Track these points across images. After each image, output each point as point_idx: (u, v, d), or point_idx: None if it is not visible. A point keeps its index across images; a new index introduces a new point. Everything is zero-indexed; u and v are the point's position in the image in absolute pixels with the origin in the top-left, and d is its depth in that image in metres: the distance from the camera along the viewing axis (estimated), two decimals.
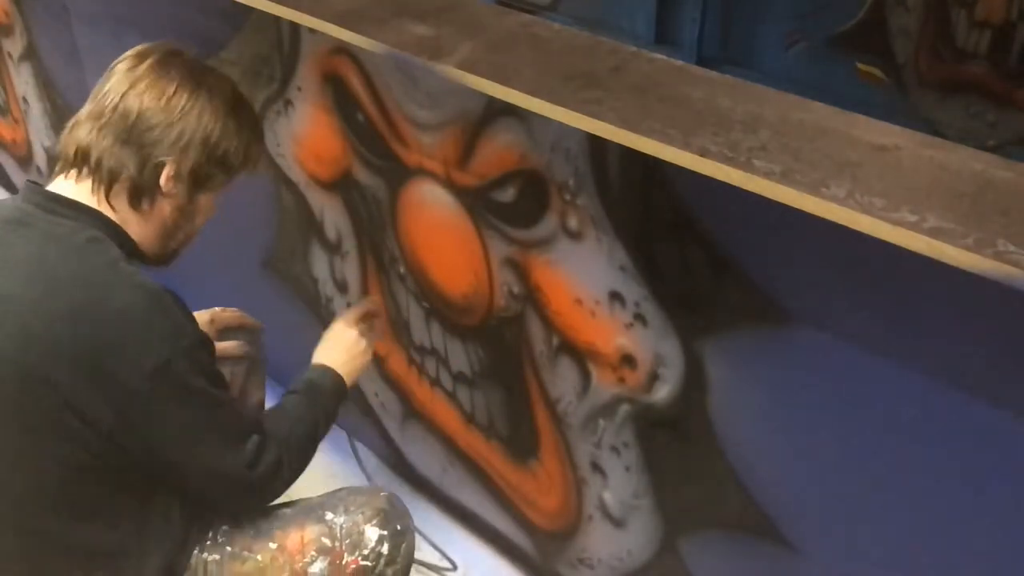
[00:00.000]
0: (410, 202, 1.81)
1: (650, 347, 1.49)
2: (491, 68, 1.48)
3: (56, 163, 1.41)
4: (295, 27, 1.82)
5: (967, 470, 1.20)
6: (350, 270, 2.06)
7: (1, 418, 1.30)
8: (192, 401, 1.34)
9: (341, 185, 1.95)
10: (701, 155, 1.23)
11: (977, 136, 2.64)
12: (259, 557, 1.49)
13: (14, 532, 1.37)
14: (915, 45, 2.73)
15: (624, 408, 1.59)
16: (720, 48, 3.10)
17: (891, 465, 1.27)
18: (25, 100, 2.98)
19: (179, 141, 1.37)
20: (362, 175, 1.87)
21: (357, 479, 2.26)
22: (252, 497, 1.49)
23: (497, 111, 1.53)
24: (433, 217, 1.77)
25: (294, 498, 1.58)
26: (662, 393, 1.51)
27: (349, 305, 2.11)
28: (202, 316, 1.78)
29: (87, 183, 1.37)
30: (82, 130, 1.37)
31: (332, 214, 2.02)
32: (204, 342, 1.37)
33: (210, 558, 1.48)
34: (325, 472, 2.15)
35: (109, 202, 1.37)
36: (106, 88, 1.38)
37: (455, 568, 2.07)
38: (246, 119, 1.47)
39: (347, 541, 1.51)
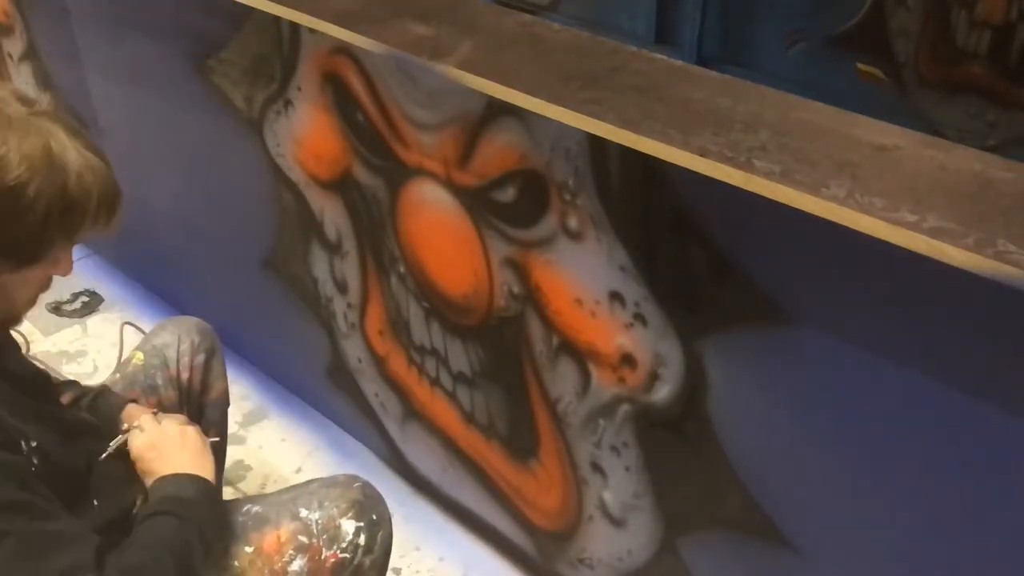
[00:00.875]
0: (410, 202, 1.81)
1: (650, 347, 1.49)
2: (491, 68, 1.48)
3: None
4: (295, 27, 1.82)
5: (967, 470, 1.20)
6: (350, 270, 2.06)
7: None
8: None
9: (341, 185, 1.95)
10: (701, 155, 1.23)
11: (977, 136, 2.64)
12: (236, 563, 1.46)
13: None
14: (915, 45, 2.73)
15: (624, 408, 1.59)
16: (720, 48, 3.10)
17: (891, 465, 1.27)
18: None
19: None
20: (362, 175, 1.87)
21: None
22: None
23: (497, 111, 1.53)
24: (433, 217, 1.77)
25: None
26: (662, 393, 1.51)
27: (350, 305, 2.11)
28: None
29: None
30: None
31: (332, 214, 2.02)
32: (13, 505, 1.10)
33: None
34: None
35: None
36: None
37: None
38: (49, 181, 1.14)
39: (324, 536, 1.49)
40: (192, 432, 1.42)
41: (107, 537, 1.20)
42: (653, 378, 1.51)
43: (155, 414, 1.46)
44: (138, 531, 1.25)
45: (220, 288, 2.50)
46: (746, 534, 1.49)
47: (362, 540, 1.51)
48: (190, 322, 1.81)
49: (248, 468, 2.31)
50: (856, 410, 1.28)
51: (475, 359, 1.86)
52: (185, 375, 1.74)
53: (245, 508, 1.54)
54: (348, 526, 1.51)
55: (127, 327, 2.62)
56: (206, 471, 1.36)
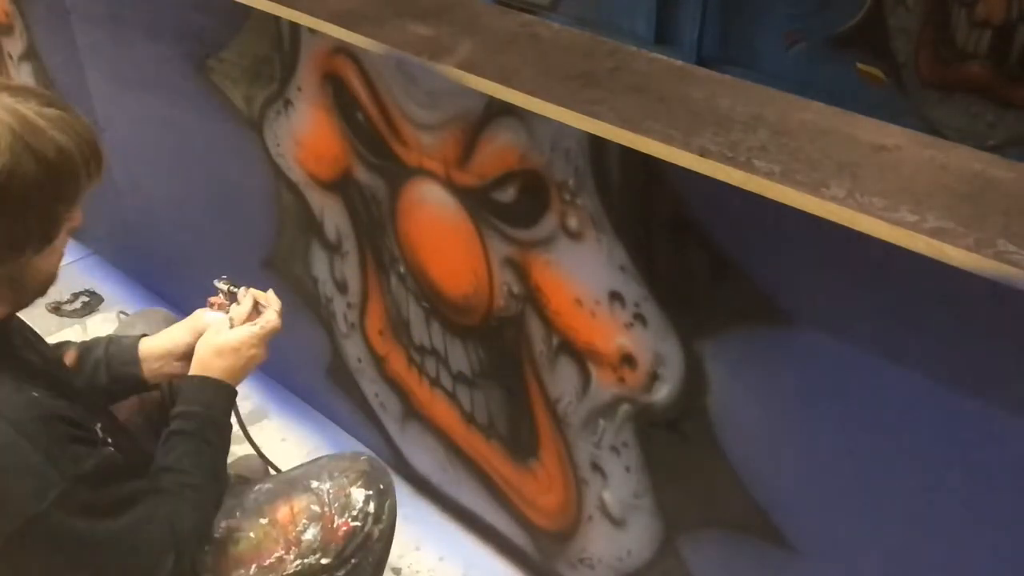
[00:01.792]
0: (410, 202, 1.81)
1: (650, 347, 1.49)
2: (491, 68, 1.48)
3: None
4: (295, 27, 1.82)
5: (967, 470, 1.20)
6: (350, 270, 2.06)
7: None
8: (71, 547, 1.20)
9: (341, 185, 1.95)
10: (701, 155, 1.23)
11: (977, 136, 2.65)
12: (252, 535, 1.50)
13: None
14: (915, 45, 2.73)
15: (624, 408, 1.59)
16: (720, 48, 3.10)
17: (890, 465, 1.27)
18: None
19: None
20: (362, 175, 1.87)
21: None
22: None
23: (497, 111, 1.53)
24: (433, 217, 1.77)
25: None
26: (662, 393, 1.51)
27: (350, 305, 2.11)
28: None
29: None
30: None
31: (332, 214, 2.02)
32: (81, 479, 1.19)
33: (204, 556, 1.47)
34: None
35: None
36: None
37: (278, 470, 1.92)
38: (31, 150, 1.13)
39: (336, 505, 1.54)
40: (246, 346, 1.53)
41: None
42: (653, 378, 1.51)
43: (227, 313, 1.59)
44: (181, 455, 1.41)
45: None
46: (746, 534, 1.49)
47: (371, 508, 1.57)
48: (159, 315, 1.85)
49: None
50: (856, 410, 1.28)
51: (475, 359, 1.86)
52: None
53: (256, 488, 1.59)
54: (358, 494, 1.56)
55: (122, 316, 2.63)
56: (236, 380, 1.51)
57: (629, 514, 1.69)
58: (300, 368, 2.41)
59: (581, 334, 1.60)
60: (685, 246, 1.38)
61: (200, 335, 1.55)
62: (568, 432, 1.73)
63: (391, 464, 2.29)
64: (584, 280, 1.55)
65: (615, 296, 1.51)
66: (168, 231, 2.60)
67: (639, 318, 1.49)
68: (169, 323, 1.78)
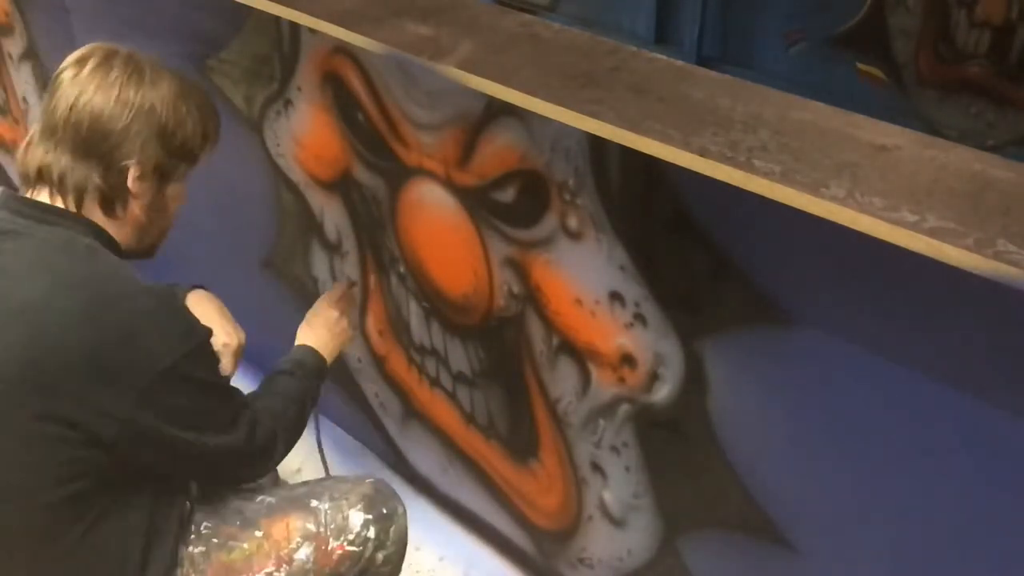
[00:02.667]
0: (410, 202, 1.81)
1: (650, 347, 1.49)
2: (491, 68, 1.48)
3: (22, 182, 1.41)
4: (295, 27, 1.82)
5: (967, 470, 1.20)
6: (350, 270, 2.06)
7: (4, 422, 1.29)
8: (199, 393, 1.37)
9: (341, 185, 1.95)
10: (701, 155, 1.23)
11: (977, 136, 2.64)
12: (245, 545, 1.50)
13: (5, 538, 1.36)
14: (915, 45, 2.73)
15: (624, 408, 1.59)
16: (720, 48, 3.10)
17: (891, 465, 1.27)
18: (25, 100, 2.98)
19: (136, 141, 1.37)
20: (362, 175, 1.87)
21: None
22: (252, 467, 1.53)
23: (497, 111, 1.53)
24: (433, 217, 1.77)
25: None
26: (662, 393, 1.51)
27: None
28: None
29: (58, 199, 1.37)
30: (39, 149, 1.37)
31: (332, 214, 2.02)
32: (208, 338, 1.39)
33: (195, 551, 1.49)
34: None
35: (83, 213, 1.38)
36: (53, 103, 1.36)
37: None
38: (195, 101, 1.45)
39: (331, 526, 1.53)
40: (333, 315, 1.77)
41: None
42: (653, 378, 1.51)
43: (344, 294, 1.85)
44: (273, 381, 1.61)
45: (220, 288, 2.50)
46: (746, 534, 1.49)
47: (371, 533, 1.55)
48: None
49: None
50: (856, 410, 1.28)
51: (475, 359, 1.86)
52: None
53: (259, 499, 1.58)
54: (356, 518, 1.55)
55: None
56: (328, 349, 1.72)
57: (629, 514, 1.69)
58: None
59: (581, 334, 1.60)
60: (685, 246, 1.38)
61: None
62: (568, 432, 1.73)
63: (391, 464, 2.29)
64: (584, 280, 1.55)
65: (615, 296, 1.51)
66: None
67: (639, 318, 1.49)
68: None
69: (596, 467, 1.71)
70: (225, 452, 1.43)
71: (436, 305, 1.88)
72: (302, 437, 1.61)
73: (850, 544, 1.38)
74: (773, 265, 1.29)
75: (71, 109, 1.34)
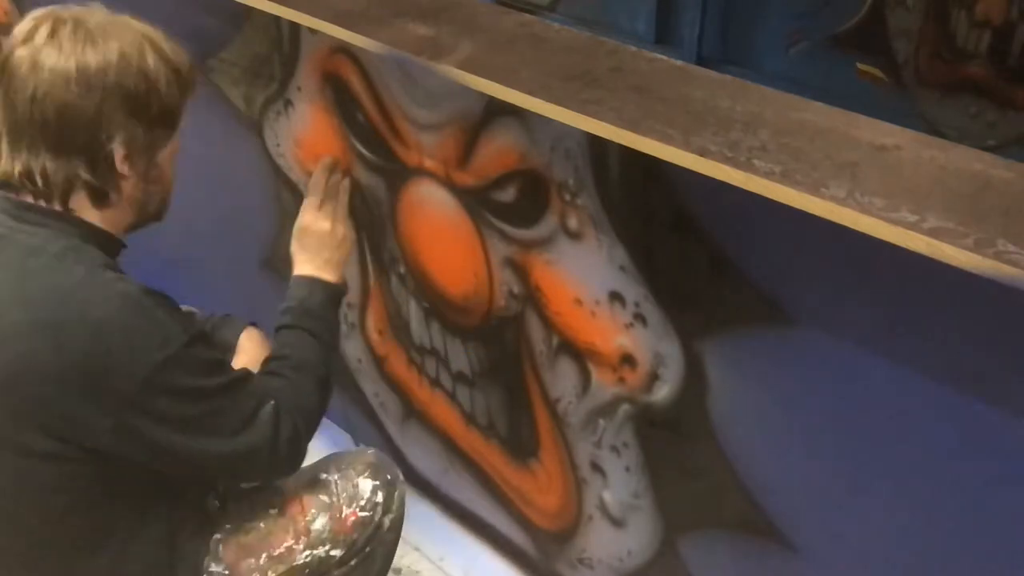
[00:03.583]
0: (410, 202, 1.81)
1: (650, 347, 1.49)
2: (491, 68, 1.48)
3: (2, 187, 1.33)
4: (295, 27, 1.82)
5: (966, 469, 1.20)
6: (350, 270, 2.06)
7: None
8: (192, 398, 1.31)
9: None
10: (701, 155, 1.23)
11: (977, 136, 2.64)
12: (262, 525, 1.53)
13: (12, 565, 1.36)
14: (915, 45, 2.73)
15: (624, 408, 1.59)
16: (720, 48, 3.10)
17: (891, 465, 1.27)
18: None
19: (112, 121, 1.28)
20: (362, 175, 1.87)
21: None
22: (280, 464, 1.45)
23: (497, 111, 1.53)
24: (433, 217, 1.77)
25: None
26: (662, 393, 1.51)
27: (349, 305, 2.11)
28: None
29: (42, 201, 1.31)
30: (11, 155, 1.29)
31: None
32: (196, 338, 1.32)
33: (212, 539, 1.50)
34: None
35: (72, 210, 1.32)
36: (10, 97, 1.26)
37: None
38: (159, 54, 1.33)
39: (344, 495, 1.57)
40: (324, 227, 1.64)
41: None
42: (653, 378, 1.51)
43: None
44: (280, 346, 1.52)
45: (220, 288, 2.50)
46: (746, 534, 1.49)
47: (380, 498, 1.59)
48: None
49: None
50: (855, 410, 1.28)
51: (475, 359, 1.86)
52: None
53: (270, 486, 1.60)
54: (365, 485, 1.59)
55: None
56: (331, 267, 1.61)
57: (629, 514, 1.69)
58: None
59: (581, 334, 1.60)
60: (685, 246, 1.38)
61: None
62: (568, 432, 1.73)
63: None
64: (584, 280, 1.54)
65: (615, 296, 1.51)
66: (167, 231, 2.60)
67: (639, 318, 1.49)
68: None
69: (596, 467, 1.71)
70: (242, 456, 1.37)
71: (436, 305, 1.88)
72: None
73: (850, 544, 1.38)
74: (773, 265, 1.29)
75: (32, 103, 1.25)
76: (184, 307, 1.70)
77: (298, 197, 2.07)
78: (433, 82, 1.59)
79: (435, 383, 1.99)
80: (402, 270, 1.91)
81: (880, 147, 1.24)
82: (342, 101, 1.82)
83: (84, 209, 1.33)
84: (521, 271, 1.65)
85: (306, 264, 1.63)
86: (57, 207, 1.31)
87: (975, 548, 1.24)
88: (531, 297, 1.66)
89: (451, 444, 2.04)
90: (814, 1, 2.84)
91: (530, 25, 1.64)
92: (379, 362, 2.13)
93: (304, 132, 1.97)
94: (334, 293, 1.61)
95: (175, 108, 1.37)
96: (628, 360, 1.54)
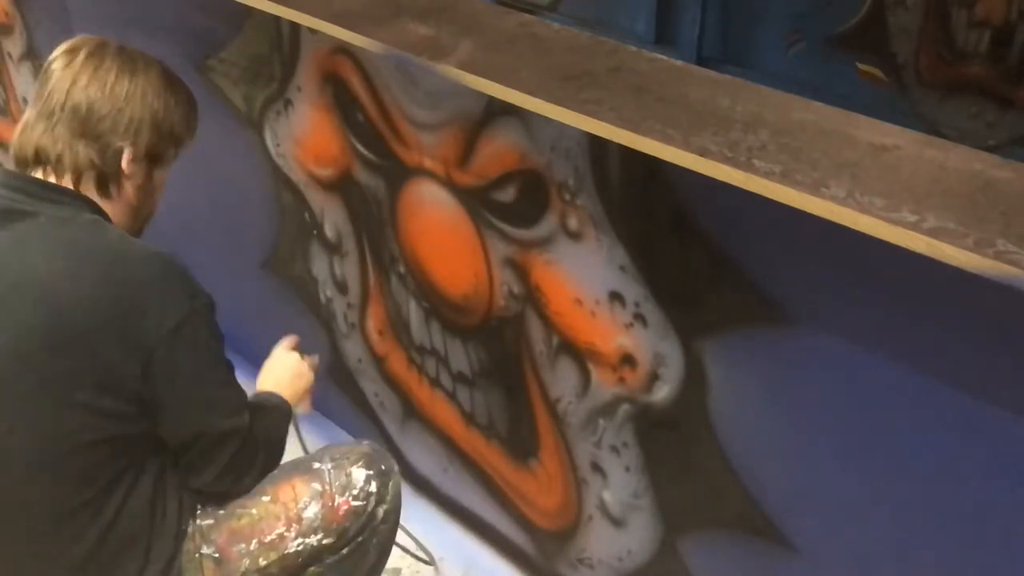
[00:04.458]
0: (410, 202, 1.81)
1: (650, 347, 1.49)
2: (491, 68, 1.48)
3: (17, 164, 1.46)
4: (295, 27, 1.82)
5: (966, 469, 1.20)
6: (350, 270, 2.06)
7: (28, 391, 1.34)
8: (205, 356, 1.43)
9: (341, 185, 1.95)
10: (701, 155, 1.23)
11: (977, 136, 2.64)
12: (254, 511, 1.54)
13: (33, 511, 1.40)
14: (915, 45, 2.72)
15: (624, 408, 1.59)
16: (720, 48, 3.09)
17: (891, 465, 1.27)
18: (25, 100, 2.98)
19: (131, 125, 1.45)
20: (362, 175, 1.87)
21: None
22: (250, 463, 1.53)
23: (497, 111, 1.53)
24: (433, 217, 1.77)
25: None
26: (662, 393, 1.51)
27: (350, 306, 2.12)
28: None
29: (53, 177, 1.43)
30: (35, 132, 1.43)
31: (332, 214, 2.02)
32: (213, 304, 1.45)
33: (204, 523, 1.51)
34: None
35: (81, 191, 1.43)
36: (48, 89, 1.43)
37: (432, 562, 2.08)
38: (182, 93, 1.54)
39: (336, 484, 1.58)
40: (292, 358, 1.74)
41: None
42: (653, 378, 1.51)
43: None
44: (258, 396, 1.63)
45: (220, 288, 2.50)
46: (746, 534, 1.49)
47: (373, 488, 1.60)
48: None
49: None
50: (855, 410, 1.28)
51: (475, 359, 1.86)
52: None
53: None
54: (359, 474, 1.60)
55: None
56: (288, 392, 1.68)
57: (629, 514, 1.69)
58: None
59: (581, 334, 1.60)
60: (685, 246, 1.38)
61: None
62: (568, 432, 1.73)
63: None
64: (584, 280, 1.55)
65: (615, 296, 1.51)
66: (168, 231, 2.60)
67: (639, 318, 1.49)
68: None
69: (596, 467, 1.71)
70: (228, 434, 1.47)
71: (436, 305, 1.88)
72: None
73: (850, 544, 1.38)
74: (773, 265, 1.29)
75: (67, 94, 1.42)
76: None
77: (298, 197, 2.07)
78: (433, 82, 1.59)
79: (435, 383, 1.99)
80: (402, 270, 1.91)
81: (880, 147, 1.24)
82: (342, 101, 1.82)
83: (90, 193, 1.45)
84: (521, 271, 1.65)
85: (269, 383, 1.71)
86: (70, 186, 1.43)
87: (975, 547, 1.24)
88: (531, 297, 1.66)
89: (451, 444, 2.05)
90: (814, 1, 2.83)
91: (530, 25, 1.64)
92: (379, 362, 2.13)
93: (304, 132, 1.97)
94: (287, 408, 1.68)
95: (182, 136, 1.55)
96: (628, 360, 1.54)
